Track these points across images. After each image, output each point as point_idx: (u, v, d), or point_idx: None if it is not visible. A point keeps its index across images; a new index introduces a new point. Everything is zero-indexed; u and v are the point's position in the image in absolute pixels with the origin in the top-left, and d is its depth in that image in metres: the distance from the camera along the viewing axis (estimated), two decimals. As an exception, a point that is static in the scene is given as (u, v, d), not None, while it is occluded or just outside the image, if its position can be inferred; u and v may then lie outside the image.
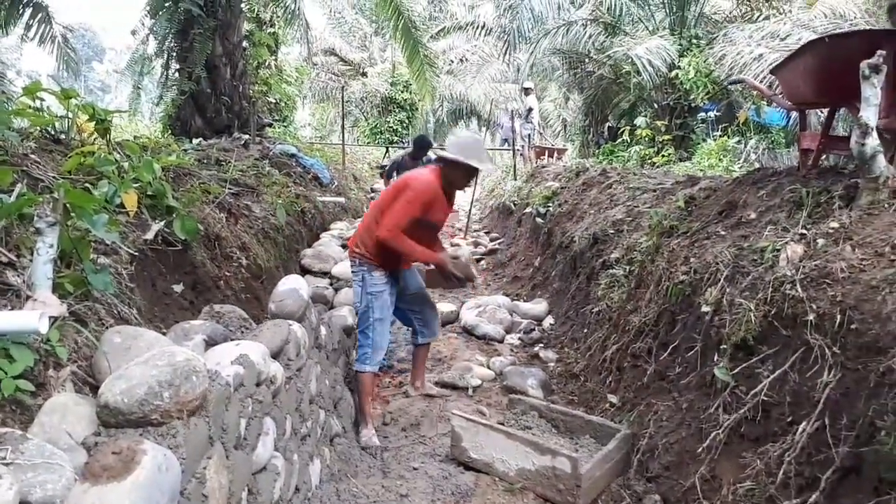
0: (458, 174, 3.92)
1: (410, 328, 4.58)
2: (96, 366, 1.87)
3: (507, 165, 15.29)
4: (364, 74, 23.69)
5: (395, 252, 3.86)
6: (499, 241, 11.18)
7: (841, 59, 3.02)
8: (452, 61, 26.42)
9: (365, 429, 3.92)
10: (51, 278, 1.89)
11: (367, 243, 3.94)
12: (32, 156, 2.96)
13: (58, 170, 2.96)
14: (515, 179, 13.23)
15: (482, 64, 26.12)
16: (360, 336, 4.02)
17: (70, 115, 3.66)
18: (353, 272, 4.06)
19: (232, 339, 2.37)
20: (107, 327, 2.10)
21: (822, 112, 4.29)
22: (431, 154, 9.40)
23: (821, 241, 2.66)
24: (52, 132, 3.69)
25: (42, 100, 3.45)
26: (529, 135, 15.30)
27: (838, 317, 2.24)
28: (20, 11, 9.65)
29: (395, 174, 9.28)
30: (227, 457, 1.83)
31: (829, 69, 3.18)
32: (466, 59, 26.87)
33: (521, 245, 9.60)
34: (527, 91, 15.44)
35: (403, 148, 21.17)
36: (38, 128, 3.54)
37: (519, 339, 5.95)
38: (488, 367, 5.12)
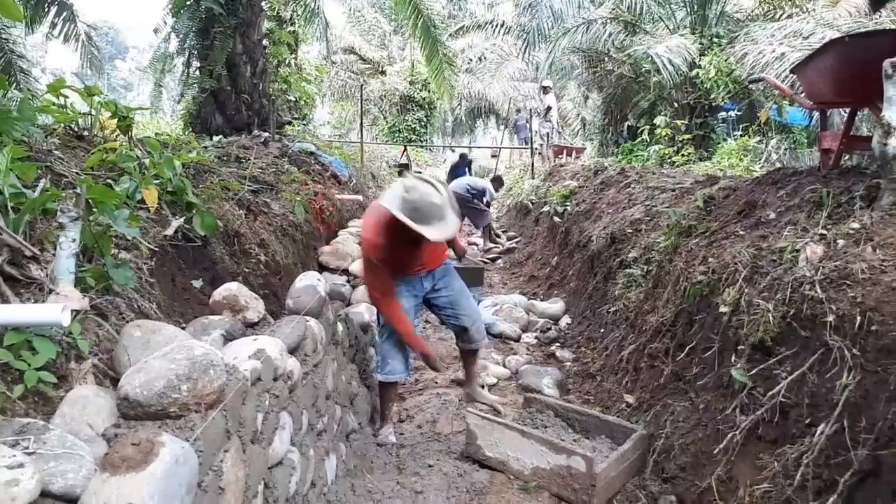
0: (403, 228, 3.24)
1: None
2: (117, 359, 1.90)
3: (526, 164, 15.24)
4: (383, 73, 23.74)
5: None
6: (516, 239, 11.17)
7: (863, 58, 2.99)
8: (471, 60, 26.40)
9: (383, 426, 3.94)
10: (73, 272, 1.92)
11: None
12: (56, 152, 3.01)
13: (81, 166, 3.00)
14: (533, 178, 13.19)
15: (501, 62, 26.09)
16: (378, 343, 4.03)
17: (93, 112, 3.71)
18: None
19: (250, 335, 2.39)
20: (127, 321, 2.13)
21: (844, 112, 4.23)
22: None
23: (841, 242, 2.63)
24: (76, 129, 3.74)
25: (66, 97, 3.50)
26: (548, 133, 15.23)
27: (858, 318, 2.22)
28: (45, 10, 9.80)
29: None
30: (244, 450, 1.85)
31: (851, 68, 3.15)
32: (485, 58, 26.85)
33: (539, 244, 9.59)
34: (545, 90, 15.37)
35: (423, 145, 21.24)
36: (62, 124, 3.58)
37: (535, 338, 5.95)
38: (504, 366, 5.12)
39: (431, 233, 3.20)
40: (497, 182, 11.10)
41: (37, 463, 1.26)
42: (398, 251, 3.50)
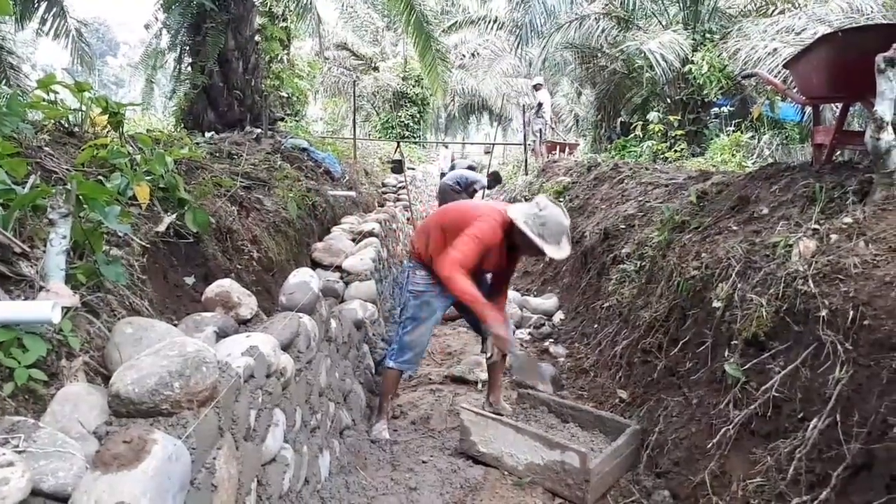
0: (527, 247, 3.53)
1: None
2: (108, 356, 1.88)
3: (519, 160, 15.24)
4: (376, 69, 23.68)
5: (454, 291, 3.52)
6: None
7: (856, 53, 2.99)
8: (464, 56, 26.37)
9: (378, 422, 3.94)
10: (64, 269, 1.90)
11: (419, 244, 3.91)
12: (46, 148, 2.98)
13: (71, 162, 2.97)
14: (527, 174, 13.19)
15: (494, 58, 26.06)
16: (396, 331, 4.01)
17: (83, 108, 3.68)
18: (406, 266, 4.04)
19: (242, 331, 2.38)
20: (119, 318, 2.11)
21: (836, 107, 4.24)
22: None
23: (834, 237, 2.64)
24: (66, 125, 3.71)
25: (56, 93, 3.47)
26: (541, 129, 15.25)
27: (851, 312, 2.22)
28: (35, 6, 9.72)
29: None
30: (237, 447, 1.84)
31: (844, 63, 3.15)
32: (478, 54, 26.81)
33: (532, 240, 9.57)
34: (537, 87, 15.39)
35: (416, 141, 21.17)
36: (52, 120, 3.56)
37: (529, 333, 5.95)
38: (498, 362, 5.11)
39: (550, 250, 3.44)
40: (493, 178, 11.08)
41: (27, 461, 1.25)
42: (491, 257, 3.65)
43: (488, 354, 3.78)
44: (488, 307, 3.53)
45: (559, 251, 3.47)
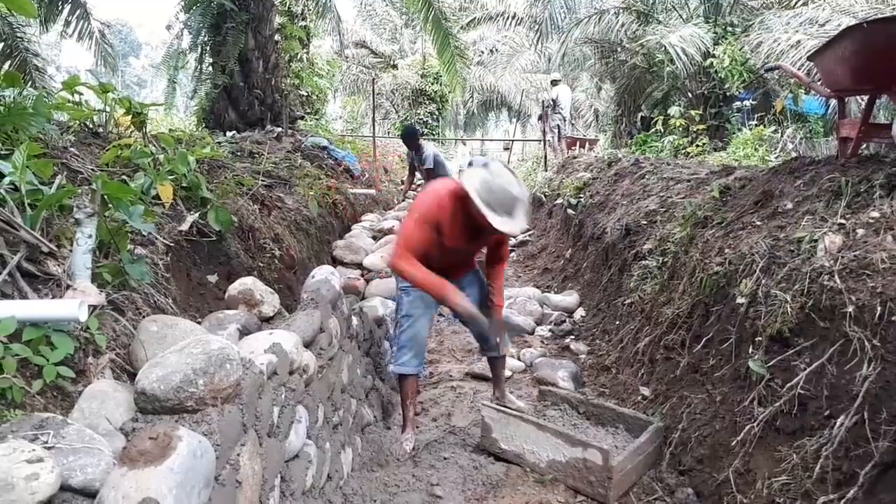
0: (476, 214, 3.09)
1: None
2: (134, 354, 1.91)
3: (538, 157, 15.19)
4: (394, 66, 23.74)
5: (406, 279, 3.37)
6: (529, 232, 11.13)
7: (882, 44, 2.94)
8: (483, 52, 26.33)
9: (402, 433, 3.73)
10: (90, 268, 1.93)
11: None
12: (72, 149, 3.03)
13: (96, 162, 3.02)
14: (546, 170, 13.14)
15: (513, 54, 25.99)
16: (395, 332, 3.89)
17: (107, 108, 3.74)
18: None
19: (265, 329, 2.40)
20: (143, 316, 2.14)
21: (862, 99, 4.17)
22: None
23: (860, 232, 2.59)
24: (91, 126, 3.77)
25: (81, 94, 3.53)
26: (558, 125, 15.17)
27: (878, 308, 2.19)
28: (59, 8, 9.87)
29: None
30: (261, 444, 1.86)
31: (869, 55, 3.10)
32: (497, 50, 26.75)
33: (552, 236, 9.55)
34: (554, 83, 15.32)
35: (435, 139, 21.19)
36: (77, 121, 3.62)
37: (549, 330, 5.93)
38: (519, 359, 5.11)
39: (497, 221, 3.04)
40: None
41: (56, 457, 1.27)
42: (446, 230, 3.30)
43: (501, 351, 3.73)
44: (444, 285, 3.27)
45: (508, 223, 3.08)
